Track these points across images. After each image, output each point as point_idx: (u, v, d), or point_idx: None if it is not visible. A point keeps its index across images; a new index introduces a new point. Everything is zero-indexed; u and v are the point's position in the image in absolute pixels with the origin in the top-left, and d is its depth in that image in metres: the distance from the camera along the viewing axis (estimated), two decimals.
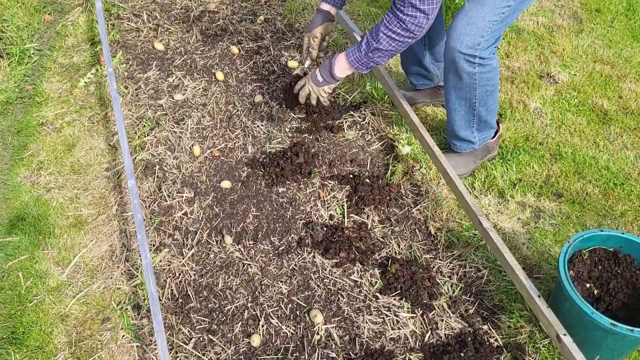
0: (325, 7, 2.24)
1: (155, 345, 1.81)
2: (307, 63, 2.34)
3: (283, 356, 1.83)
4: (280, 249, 2.13)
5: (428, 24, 1.85)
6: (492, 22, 1.97)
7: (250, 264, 2.08)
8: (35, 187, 2.39)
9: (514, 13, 2.02)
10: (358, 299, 1.98)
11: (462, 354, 1.80)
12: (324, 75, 2.10)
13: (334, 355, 1.83)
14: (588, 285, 1.83)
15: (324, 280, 2.03)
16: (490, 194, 2.38)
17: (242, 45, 3.11)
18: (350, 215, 2.25)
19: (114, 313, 1.96)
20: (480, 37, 1.98)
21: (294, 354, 1.83)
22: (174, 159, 2.47)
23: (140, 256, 1.99)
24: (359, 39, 2.63)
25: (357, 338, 1.87)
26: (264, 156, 2.48)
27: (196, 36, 3.15)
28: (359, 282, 2.03)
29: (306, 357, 1.82)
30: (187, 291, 1.99)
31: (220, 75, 2.89)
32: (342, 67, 2.05)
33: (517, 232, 2.24)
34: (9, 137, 2.63)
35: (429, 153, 2.27)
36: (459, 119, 2.28)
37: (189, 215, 2.24)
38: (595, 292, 1.83)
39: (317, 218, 2.24)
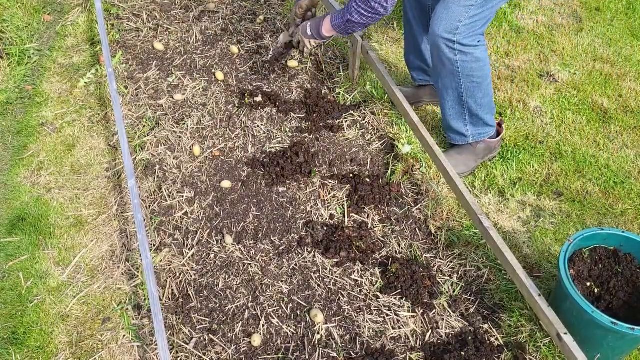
0: None
1: (156, 345, 1.81)
2: (291, 30, 2.51)
3: (284, 356, 1.83)
4: (281, 248, 2.13)
5: (391, 5, 2.00)
6: (468, 7, 2.03)
7: (250, 264, 2.08)
8: (36, 188, 2.39)
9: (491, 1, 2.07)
10: (358, 299, 1.98)
11: (463, 353, 1.80)
12: (313, 30, 2.30)
13: (335, 354, 1.83)
14: (588, 284, 1.83)
15: (325, 279, 2.03)
16: (490, 193, 2.38)
17: (242, 45, 3.11)
18: (351, 214, 2.25)
19: (115, 313, 1.96)
20: (458, 22, 2.04)
21: (295, 354, 1.83)
22: (174, 158, 2.47)
23: (140, 256, 1.99)
24: (358, 38, 2.63)
25: (357, 337, 1.87)
26: (264, 156, 2.48)
27: (196, 36, 3.15)
28: (359, 282, 2.03)
29: (307, 357, 1.82)
30: (187, 291, 1.99)
31: (220, 75, 2.89)
32: (327, 28, 2.25)
33: (517, 231, 2.24)
34: (9, 137, 2.63)
35: (429, 152, 2.27)
36: (448, 109, 2.34)
37: (189, 215, 2.24)
38: (596, 290, 1.83)
39: (318, 217, 2.24)
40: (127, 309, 1.96)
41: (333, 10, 2.89)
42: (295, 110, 2.72)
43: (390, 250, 2.14)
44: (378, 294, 1.99)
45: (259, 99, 2.74)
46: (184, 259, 2.09)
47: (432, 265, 2.09)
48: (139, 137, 2.56)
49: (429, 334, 1.89)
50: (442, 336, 1.89)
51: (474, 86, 2.21)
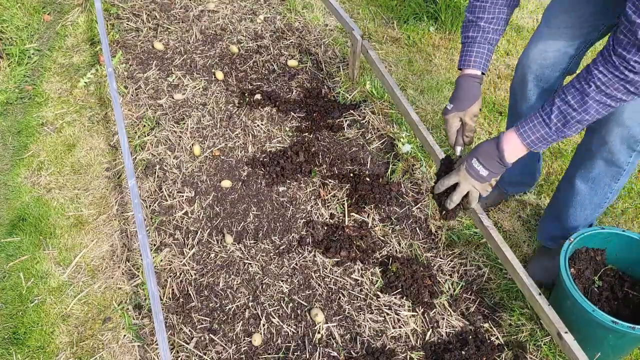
0: (476, 70, 1.69)
1: (157, 344, 1.81)
2: (459, 150, 1.76)
3: (284, 355, 1.83)
4: (281, 248, 2.13)
5: None
6: None
7: (251, 263, 2.08)
8: (36, 188, 2.39)
9: None
10: (359, 298, 1.98)
11: (463, 352, 1.80)
12: (490, 165, 1.55)
13: (335, 354, 1.83)
14: (589, 283, 1.83)
15: (325, 279, 2.03)
16: None
17: (242, 44, 3.11)
18: (351, 214, 2.25)
19: (115, 313, 1.96)
20: None
21: (295, 353, 1.83)
22: (174, 158, 2.47)
23: (141, 256, 2.00)
24: (358, 38, 2.62)
25: (358, 337, 1.87)
26: (264, 155, 2.48)
27: (196, 35, 3.15)
28: (359, 281, 2.03)
29: (307, 356, 1.83)
30: (188, 290, 1.99)
31: (220, 75, 2.89)
32: (515, 149, 1.53)
33: (517, 230, 2.24)
34: (9, 137, 2.63)
35: (429, 151, 2.27)
36: (580, 213, 1.89)
37: (189, 215, 2.24)
38: (597, 289, 1.83)
39: (318, 217, 2.24)
40: (128, 308, 1.97)
41: (335, 12, 2.90)
42: (295, 109, 2.72)
43: (390, 249, 2.14)
44: (378, 293, 1.99)
45: (258, 97, 2.74)
46: (184, 258, 2.09)
47: (432, 265, 2.09)
48: (139, 137, 2.56)
49: (429, 333, 1.89)
50: (442, 335, 1.89)
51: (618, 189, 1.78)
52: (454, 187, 1.65)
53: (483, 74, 1.69)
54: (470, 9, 1.66)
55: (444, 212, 1.72)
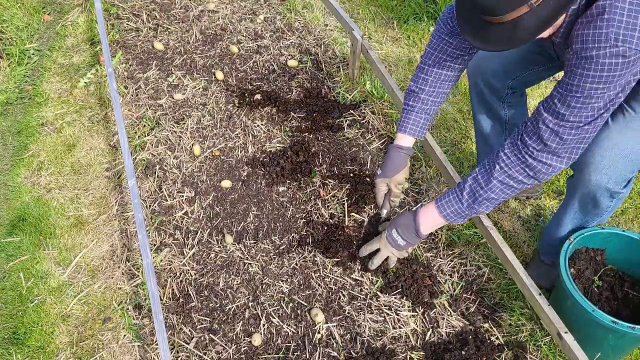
0: (407, 141, 1.85)
1: (157, 344, 1.81)
2: (385, 212, 1.97)
3: (284, 355, 1.83)
4: (281, 248, 2.13)
5: (562, 170, 1.52)
6: None
7: (251, 263, 2.08)
8: (36, 188, 2.39)
9: None
10: (359, 298, 1.98)
11: (463, 352, 1.80)
12: (407, 236, 1.73)
13: (335, 354, 1.83)
14: (589, 283, 1.83)
15: (325, 279, 2.03)
16: None
17: (242, 44, 3.11)
18: (351, 214, 2.25)
19: (115, 313, 1.96)
20: (631, 173, 1.63)
21: (295, 353, 1.83)
22: (174, 158, 2.47)
23: (141, 256, 2.00)
24: (358, 38, 2.62)
25: (358, 337, 1.87)
26: (264, 155, 2.48)
27: (196, 35, 3.15)
28: (359, 281, 2.03)
29: (307, 356, 1.82)
30: (188, 291, 1.99)
31: (220, 75, 2.89)
32: (431, 222, 1.69)
33: (517, 230, 2.24)
34: (9, 137, 2.63)
35: (429, 151, 2.27)
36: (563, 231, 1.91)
37: (189, 215, 2.24)
38: (597, 289, 1.83)
39: (318, 217, 2.24)
40: (128, 308, 1.97)
41: (335, 12, 2.90)
42: (295, 109, 2.71)
43: None
44: (378, 293, 1.99)
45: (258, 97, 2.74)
46: (184, 258, 2.09)
47: (432, 265, 2.08)
48: (139, 137, 2.56)
49: (429, 333, 1.89)
50: (442, 335, 1.89)
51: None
52: (376, 251, 1.88)
53: (419, 139, 1.86)
54: (415, 79, 1.81)
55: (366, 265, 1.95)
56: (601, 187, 1.63)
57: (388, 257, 1.84)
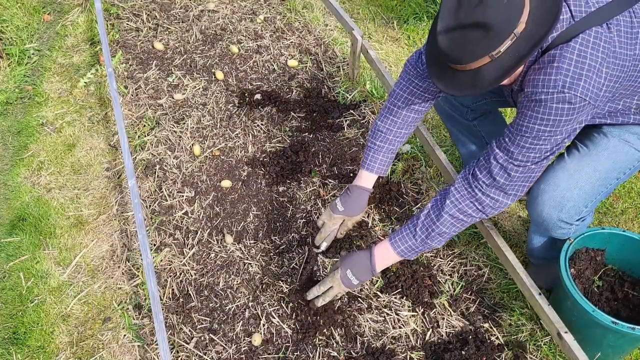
0: (371, 179, 1.87)
1: (157, 344, 1.81)
2: (325, 245, 1.90)
3: (284, 355, 1.83)
4: (281, 248, 2.13)
5: (507, 206, 1.56)
6: (600, 192, 1.67)
7: (251, 263, 2.08)
8: (36, 188, 2.39)
9: (617, 184, 1.73)
10: (359, 298, 1.98)
11: (463, 352, 1.80)
12: (361, 276, 1.69)
13: (335, 354, 1.83)
14: (589, 283, 1.83)
15: None
16: None
17: (242, 44, 3.11)
18: None
19: (115, 313, 1.96)
20: (584, 207, 1.66)
21: (295, 353, 1.83)
22: (174, 158, 2.47)
23: (141, 256, 2.00)
24: (358, 38, 2.63)
25: (358, 337, 1.87)
26: (264, 155, 2.48)
27: (196, 35, 3.15)
28: None
29: (307, 356, 1.82)
30: (188, 290, 1.99)
31: (220, 75, 2.89)
32: (386, 260, 1.68)
33: (517, 230, 2.24)
34: (9, 137, 2.63)
35: (429, 151, 2.27)
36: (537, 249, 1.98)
37: (189, 215, 2.24)
38: (597, 289, 1.83)
39: (318, 217, 2.24)
40: (128, 308, 1.97)
41: (335, 12, 2.89)
42: (295, 109, 2.71)
43: None
44: (378, 293, 1.99)
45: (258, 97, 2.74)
46: (184, 258, 2.09)
47: (432, 265, 2.08)
48: (139, 136, 2.56)
49: (429, 333, 1.89)
50: (442, 335, 1.89)
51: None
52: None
53: (383, 174, 1.89)
54: (383, 119, 1.84)
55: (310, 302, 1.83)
56: (552, 219, 1.67)
57: (338, 292, 1.76)
